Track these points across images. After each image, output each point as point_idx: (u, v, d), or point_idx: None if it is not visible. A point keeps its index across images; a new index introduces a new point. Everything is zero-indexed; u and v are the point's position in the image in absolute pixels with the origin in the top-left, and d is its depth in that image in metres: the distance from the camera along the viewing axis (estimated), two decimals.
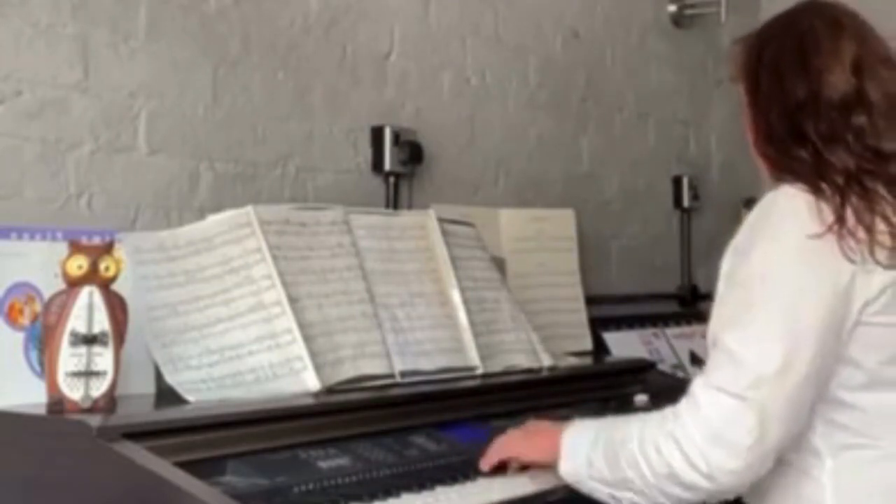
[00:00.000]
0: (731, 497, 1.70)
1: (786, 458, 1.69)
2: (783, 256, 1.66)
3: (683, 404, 1.66)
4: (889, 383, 1.69)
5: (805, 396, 1.64)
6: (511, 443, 1.91)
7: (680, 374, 3.10)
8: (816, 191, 1.67)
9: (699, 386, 1.65)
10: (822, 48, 1.76)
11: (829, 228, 1.63)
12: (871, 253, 1.64)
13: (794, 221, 1.66)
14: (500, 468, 1.91)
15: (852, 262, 1.63)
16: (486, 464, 1.90)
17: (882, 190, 1.69)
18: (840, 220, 1.64)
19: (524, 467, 1.91)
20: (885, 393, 1.69)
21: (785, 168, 1.74)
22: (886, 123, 1.73)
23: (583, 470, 1.75)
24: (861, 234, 1.64)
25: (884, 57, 1.78)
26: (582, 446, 1.76)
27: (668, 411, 1.67)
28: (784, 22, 1.84)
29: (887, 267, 1.65)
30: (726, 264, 1.73)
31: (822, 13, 1.81)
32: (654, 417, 1.71)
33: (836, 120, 1.72)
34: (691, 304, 3.69)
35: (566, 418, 1.93)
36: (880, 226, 1.65)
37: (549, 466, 1.82)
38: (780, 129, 1.77)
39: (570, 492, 1.85)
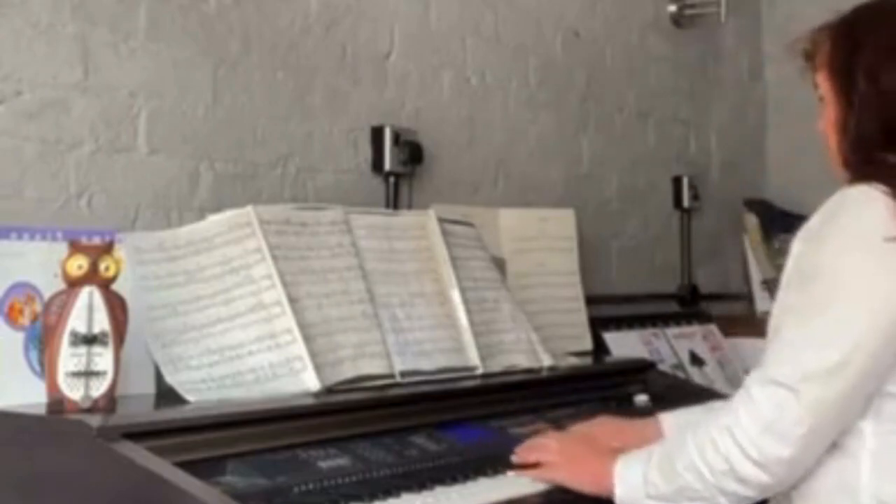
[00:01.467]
0: (785, 489, 1.70)
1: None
2: (857, 255, 1.63)
3: (737, 397, 1.67)
4: None
5: (859, 394, 1.64)
6: (558, 465, 1.87)
7: (680, 374, 3.10)
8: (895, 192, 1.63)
9: (754, 378, 1.66)
10: None
11: None
12: None
13: (872, 221, 1.62)
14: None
15: None
16: (523, 460, 1.89)
17: None
18: None
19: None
20: None
21: (869, 174, 1.68)
22: None
23: (639, 490, 1.74)
24: None
25: None
26: (637, 466, 1.76)
27: (724, 407, 1.68)
28: (879, 13, 1.77)
29: None
30: (796, 248, 1.71)
31: None
32: (708, 419, 1.71)
33: None
34: (691, 304, 3.69)
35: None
36: None
37: (596, 495, 1.81)
38: (873, 130, 1.71)
39: (571, 493, 1.85)
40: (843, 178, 1.75)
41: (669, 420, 2.07)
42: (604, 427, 2.07)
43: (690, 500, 1.69)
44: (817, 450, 1.65)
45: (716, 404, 1.96)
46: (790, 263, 1.72)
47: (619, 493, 1.77)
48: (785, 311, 1.69)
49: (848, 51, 1.75)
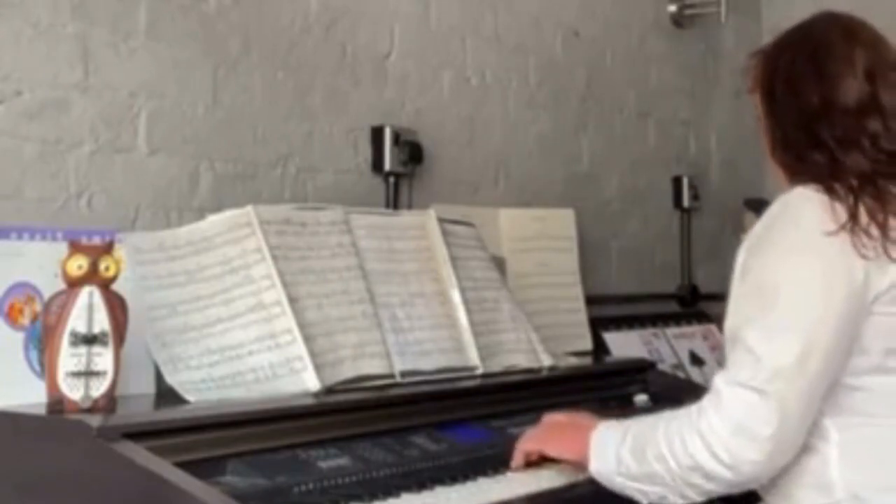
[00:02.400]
0: (753, 486, 1.76)
1: None
2: (798, 254, 1.71)
3: (707, 400, 1.71)
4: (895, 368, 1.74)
5: (821, 387, 1.70)
6: (537, 436, 1.96)
7: (680, 374, 3.10)
8: (830, 191, 1.73)
9: (721, 382, 1.71)
10: (836, 56, 1.82)
11: (843, 226, 1.69)
12: (885, 250, 1.69)
13: (808, 220, 1.72)
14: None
15: (865, 258, 1.69)
16: (515, 464, 1.94)
17: (895, 190, 1.74)
18: (853, 217, 1.69)
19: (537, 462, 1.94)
20: (891, 376, 1.74)
21: (801, 172, 1.80)
22: None
23: (612, 467, 1.80)
24: (874, 231, 1.69)
25: (895, 63, 1.83)
26: (610, 444, 1.81)
27: (693, 407, 1.72)
28: (798, 33, 1.91)
29: None
30: (741, 259, 1.79)
31: (835, 23, 1.87)
32: (680, 414, 1.76)
33: (850, 125, 1.78)
34: (691, 304, 3.70)
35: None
36: (893, 223, 1.71)
37: (575, 463, 1.88)
38: (795, 136, 1.82)
39: (572, 492, 1.85)
40: (783, 182, 1.86)
41: None
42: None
43: (659, 486, 1.75)
44: (786, 449, 1.69)
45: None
46: (736, 275, 1.79)
47: (593, 465, 1.83)
48: (741, 320, 1.74)
49: (771, 67, 1.89)
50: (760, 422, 1.65)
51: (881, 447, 1.73)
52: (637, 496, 1.78)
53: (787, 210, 1.76)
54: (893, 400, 1.74)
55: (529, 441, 1.96)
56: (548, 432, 1.97)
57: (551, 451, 1.93)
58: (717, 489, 1.72)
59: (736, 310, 1.77)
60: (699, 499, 1.75)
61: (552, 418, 2.01)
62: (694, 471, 1.70)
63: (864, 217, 1.70)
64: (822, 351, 1.67)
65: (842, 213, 1.70)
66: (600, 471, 1.81)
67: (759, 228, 1.78)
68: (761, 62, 1.92)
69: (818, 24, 1.89)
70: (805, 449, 1.73)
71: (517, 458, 1.95)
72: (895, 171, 1.76)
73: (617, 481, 1.79)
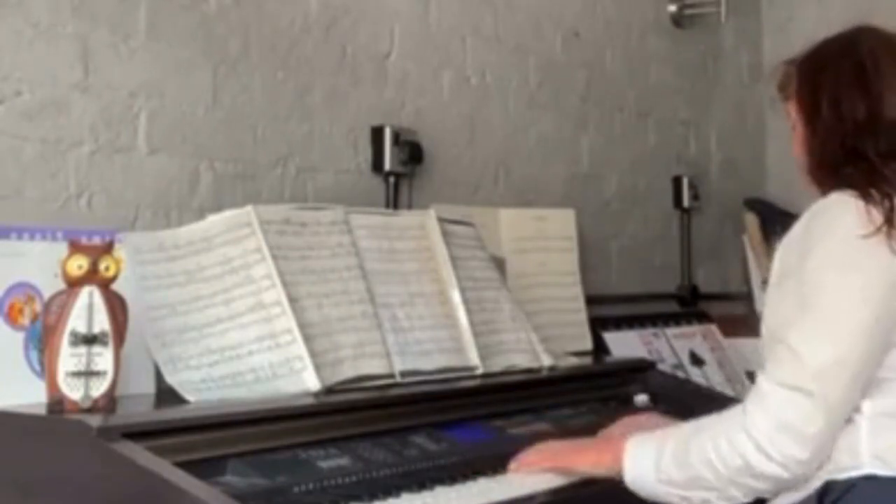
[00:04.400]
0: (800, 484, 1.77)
1: None
2: (836, 257, 1.75)
3: (750, 401, 1.75)
4: None
5: (859, 384, 1.74)
6: (561, 453, 1.95)
7: (680, 374, 3.10)
8: (866, 196, 1.77)
9: (764, 382, 1.75)
10: (882, 71, 1.86)
11: (879, 228, 1.73)
12: None
13: (845, 223, 1.76)
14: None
15: None
16: (523, 466, 1.94)
17: None
18: (889, 220, 1.74)
19: None
20: None
21: (836, 186, 1.82)
22: None
23: (650, 475, 1.81)
24: None
25: None
26: (648, 452, 1.83)
27: (737, 409, 1.77)
28: (840, 46, 1.92)
29: None
30: (778, 262, 1.83)
31: (879, 37, 1.90)
32: (724, 415, 1.79)
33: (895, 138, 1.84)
34: (691, 304, 3.69)
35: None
36: None
37: (598, 474, 1.89)
38: (834, 151, 1.86)
39: (572, 492, 1.85)
40: (814, 193, 1.89)
41: None
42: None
43: (703, 490, 1.77)
44: (828, 443, 1.74)
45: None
46: (773, 277, 1.84)
47: (629, 475, 1.83)
48: (781, 321, 1.78)
49: (813, 84, 1.91)
50: (805, 420, 1.70)
51: None
52: (677, 501, 1.80)
53: (824, 214, 1.79)
54: None
55: (536, 454, 1.95)
56: (563, 446, 1.98)
57: (577, 467, 1.91)
58: (766, 488, 1.75)
59: (775, 311, 1.81)
60: (745, 500, 1.77)
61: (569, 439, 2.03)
62: (742, 471, 1.72)
63: None
64: (860, 350, 1.72)
65: (877, 216, 1.75)
66: (636, 480, 1.82)
67: (798, 231, 1.81)
68: (802, 74, 1.94)
69: (862, 38, 1.91)
70: None
71: (518, 467, 1.94)
72: None
73: (658, 490, 1.81)
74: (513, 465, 1.95)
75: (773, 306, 1.83)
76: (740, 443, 1.72)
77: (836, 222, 1.77)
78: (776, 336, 1.77)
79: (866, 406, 1.77)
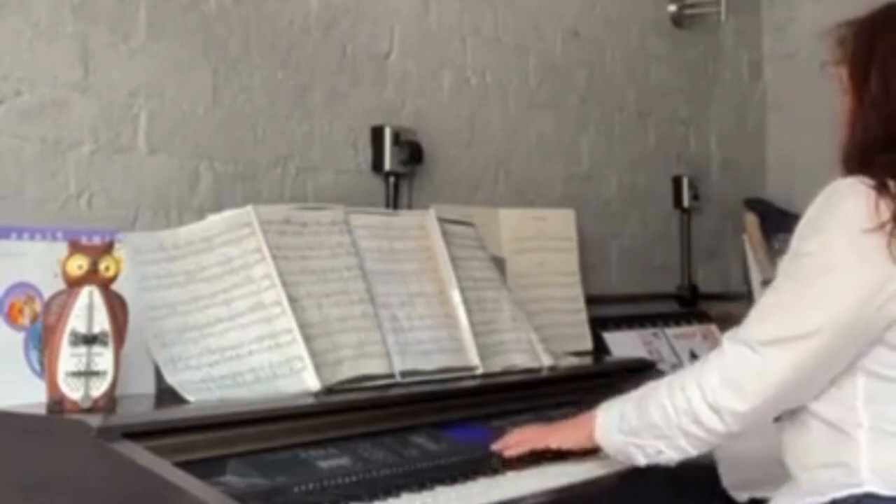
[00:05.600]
0: (739, 438, 1.84)
1: (825, 417, 1.78)
2: (838, 244, 1.73)
3: (713, 353, 1.82)
4: None
5: (819, 367, 1.75)
6: (538, 434, 2.01)
7: None
8: (881, 188, 1.72)
9: (728, 336, 1.81)
10: None
11: (882, 226, 1.69)
12: None
13: (849, 213, 1.72)
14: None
15: None
16: (510, 451, 1.98)
17: None
18: (894, 219, 1.69)
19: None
20: None
21: (862, 168, 1.77)
22: None
23: (614, 423, 1.88)
24: None
25: None
26: (615, 404, 1.91)
27: (700, 359, 1.84)
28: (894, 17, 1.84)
29: None
30: (794, 235, 1.81)
31: None
32: (687, 367, 1.90)
33: None
34: (691, 304, 3.69)
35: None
36: None
37: (579, 449, 1.96)
38: (877, 131, 1.79)
39: (571, 492, 1.85)
40: (835, 170, 1.84)
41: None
42: None
43: (655, 438, 1.83)
44: (771, 409, 1.78)
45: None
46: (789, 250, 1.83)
47: (597, 426, 1.91)
48: (775, 281, 1.81)
49: (866, 52, 1.83)
50: (750, 378, 1.75)
51: None
52: (635, 454, 1.86)
53: (831, 198, 1.76)
54: None
55: (533, 440, 1.99)
56: (548, 428, 2.03)
57: (555, 443, 1.97)
58: (708, 438, 1.80)
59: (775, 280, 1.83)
60: (694, 451, 1.82)
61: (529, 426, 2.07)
62: (686, 414, 1.78)
63: None
64: (831, 336, 1.72)
65: (885, 211, 1.70)
66: (604, 430, 1.89)
67: (813, 208, 1.78)
68: (857, 36, 1.85)
69: None
70: (836, 431, 1.77)
71: (514, 448, 1.98)
72: None
73: (616, 439, 1.87)
74: (497, 445, 1.99)
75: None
76: (690, 389, 1.78)
77: (840, 210, 1.74)
78: (760, 298, 1.82)
79: (865, 417, 1.75)
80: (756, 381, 1.75)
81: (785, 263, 1.81)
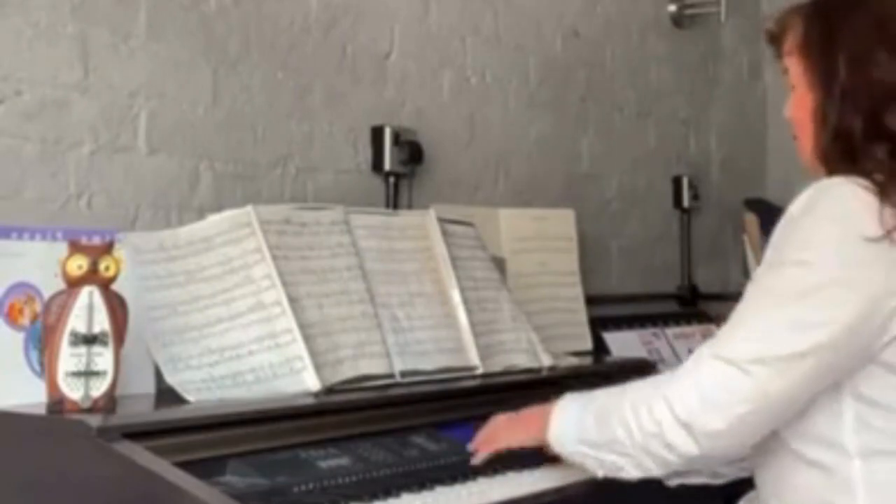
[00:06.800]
0: (713, 463, 1.70)
1: (811, 456, 1.65)
2: (830, 253, 1.58)
3: (682, 368, 1.64)
4: None
5: (809, 387, 1.60)
6: (498, 433, 1.91)
7: None
8: (883, 193, 1.57)
9: (704, 354, 1.63)
10: None
11: (888, 234, 1.55)
12: None
13: (851, 219, 1.58)
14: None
15: None
16: (478, 459, 1.91)
17: None
18: None
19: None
20: None
21: (852, 167, 1.62)
22: None
23: (571, 431, 1.74)
24: None
25: None
26: (573, 410, 1.76)
27: (665, 374, 1.66)
28: None
29: None
30: (777, 235, 1.65)
31: None
32: (649, 380, 1.70)
33: None
34: (691, 304, 3.69)
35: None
36: None
37: (535, 446, 1.84)
38: (854, 121, 1.63)
39: (571, 492, 1.85)
40: (816, 170, 1.70)
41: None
42: None
43: (617, 455, 1.68)
44: (753, 432, 1.61)
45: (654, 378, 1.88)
46: (769, 248, 1.67)
47: (551, 430, 1.77)
48: (752, 293, 1.64)
49: (824, 35, 1.67)
50: (733, 398, 1.57)
51: None
52: (592, 466, 1.72)
53: (831, 198, 1.60)
54: None
55: (492, 442, 1.91)
56: (505, 425, 1.91)
57: (512, 444, 1.87)
58: (675, 461, 1.64)
59: (751, 286, 1.65)
60: (658, 471, 1.68)
61: (497, 418, 1.96)
62: (655, 437, 1.62)
63: None
64: (827, 355, 1.57)
65: (889, 218, 1.55)
66: (559, 436, 1.76)
67: (799, 207, 1.62)
68: (809, 23, 1.69)
69: None
70: (826, 472, 1.64)
71: (480, 455, 1.91)
72: None
73: (574, 449, 1.73)
74: (471, 448, 1.92)
75: (752, 282, 1.67)
76: (659, 409, 1.61)
77: (840, 215, 1.58)
78: (739, 309, 1.63)
79: (854, 451, 1.61)
80: (743, 402, 1.57)
81: (769, 269, 1.64)
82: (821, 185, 1.63)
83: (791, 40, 1.72)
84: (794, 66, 1.72)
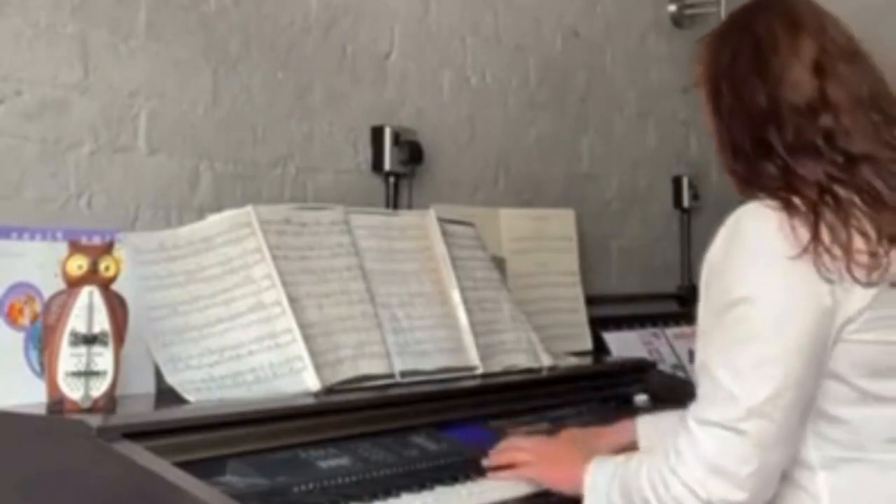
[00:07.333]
0: None
1: (785, 473, 1.66)
2: (763, 282, 1.61)
3: (682, 439, 1.64)
4: (875, 398, 1.65)
5: (796, 417, 1.62)
6: (535, 465, 1.89)
7: (680, 374, 3.10)
8: (789, 207, 1.61)
9: (694, 421, 1.64)
10: (781, 48, 1.68)
11: (805, 249, 1.58)
12: (849, 271, 1.58)
13: (769, 243, 1.60)
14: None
15: (830, 281, 1.58)
16: (496, 463, 1.91)
17: (856, 199, 1.62)
18: (815, 238, 1.58)
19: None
20: (873, 407, 1.65)
21: (754, 184, 1.67)
22: (853, 123, 1.65)
23: (601, 499, 1.73)
24: (837, 251, 1.58)
25: (845, 51, 1.70)
26: (602, 484, 1.75)
27: (671, 447, 1.65)
28: (738, 23, 1.76)
29: (866, 285, 1.59)
30: (703, 280, 1.70)
31: (777, 10, 1.72)
32: (659, 455, 1.68)
33: (802, 126, 1.65)
34: (691, 304, 3.67)
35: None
36: (858, 243, 1.59)
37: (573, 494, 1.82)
38: (744, 142, 1.69)
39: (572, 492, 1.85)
40: (733, 187, 1.75)
41: (646, 426, 2.06)
42: (573, 434, 2.05)
43: None
44: (769, 483, 1.62)
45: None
46: (701, 299, 1.71)
47: (586, 495, 1.76)
48: (711, 352, 1.67)
49: (714, 64, 1.75)
50: (739, 461, 1.58)
51: (871, 490, 1.65)
52: None
53: (745, 233, 1.63)
54: (879, 435, 1.65)
55: (522, 467, 1.90)
56: (544, 462, 1.90)
57: (545, 482, 1.87)
58: None
59: (705, 343, 1.69)
60: None
61: (545, 438, 1.98)
62: None
63: (826, 236, 1.58)
64: (794, 382, 1.59)
65: (803, 233, 1.58)
66: (592, 498, 1.76)
67: (718, 250, 1.66)
68: (705, 54, 1.77)
69: (758, 12, 1.73)
70: (793, 485, 1.66)
71: (500, 458, 1.91)
72: (853, 176, 1.63)
73: None
74: (487, 461, 1.91)
75: (701, 337, 1.70)
76: (674, 486, 1.61)
77: (758, 243, 1.61)
78: (706, 367, 1.65)
79: (818, 466, 1.64)
80: (746, 461, 1.58)
81: (714, 319, 1.66)
82: (728, 224, 1.66)
83: (696, 71, 1.80)
84: (700, 95, 1.80)
